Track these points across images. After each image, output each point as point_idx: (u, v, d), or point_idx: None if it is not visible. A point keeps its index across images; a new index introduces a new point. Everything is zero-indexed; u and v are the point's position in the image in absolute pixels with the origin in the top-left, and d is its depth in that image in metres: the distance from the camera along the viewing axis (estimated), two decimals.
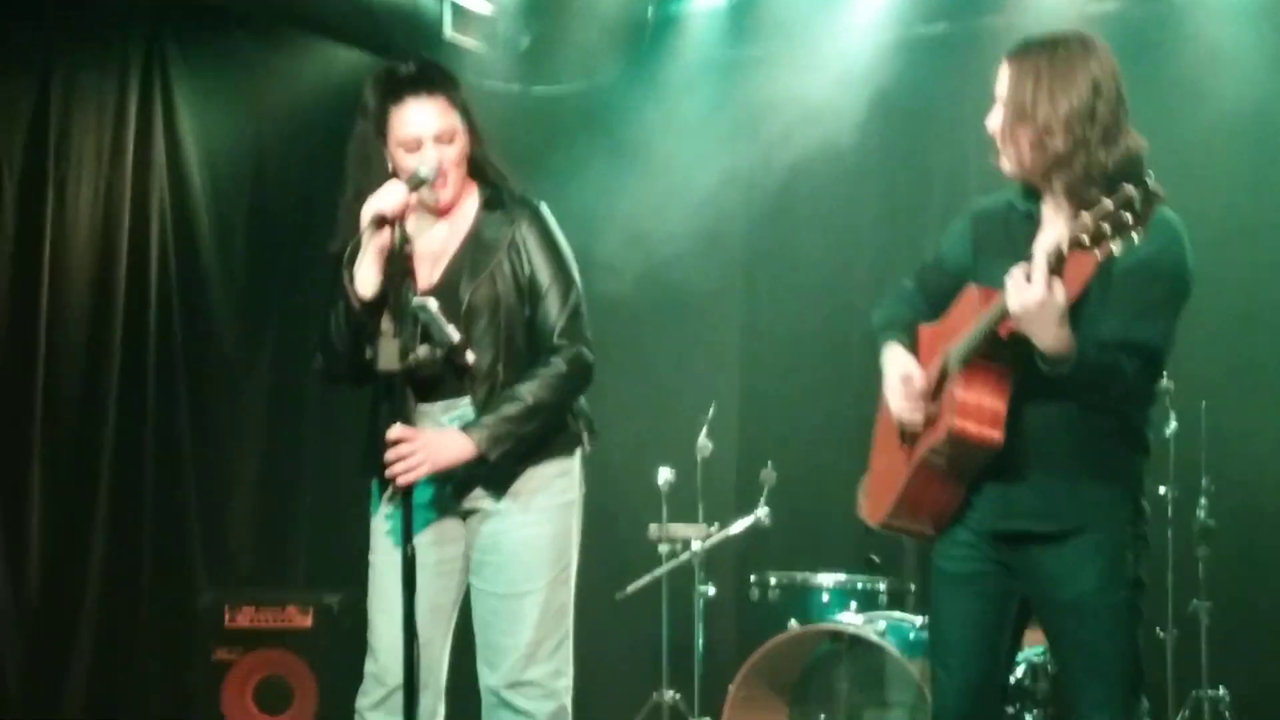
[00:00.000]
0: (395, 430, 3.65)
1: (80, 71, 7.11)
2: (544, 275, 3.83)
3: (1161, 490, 6.24)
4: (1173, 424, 6.29)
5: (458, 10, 7.87)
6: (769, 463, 6.50)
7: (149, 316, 7.27)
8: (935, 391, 3.42)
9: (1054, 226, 3.40)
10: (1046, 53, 3.38)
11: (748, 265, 8.24)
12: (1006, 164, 3.44)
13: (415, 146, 3.78)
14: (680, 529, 6.66)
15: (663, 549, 6.64)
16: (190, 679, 6.89)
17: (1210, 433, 6.37)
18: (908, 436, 3.54)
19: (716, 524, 6.63)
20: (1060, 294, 3.06)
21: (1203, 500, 6.31)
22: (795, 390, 7.75)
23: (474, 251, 3.83)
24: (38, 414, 6.84)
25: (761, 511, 6.42)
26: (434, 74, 3.86)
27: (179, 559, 7.32)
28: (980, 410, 3.27)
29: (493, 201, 3.89)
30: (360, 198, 3.78)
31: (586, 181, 7.47)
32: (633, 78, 8.17)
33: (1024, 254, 3.27)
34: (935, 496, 3.48)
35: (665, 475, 6.68)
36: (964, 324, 3.36)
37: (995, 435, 3.28)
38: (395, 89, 3.82)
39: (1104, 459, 3.37)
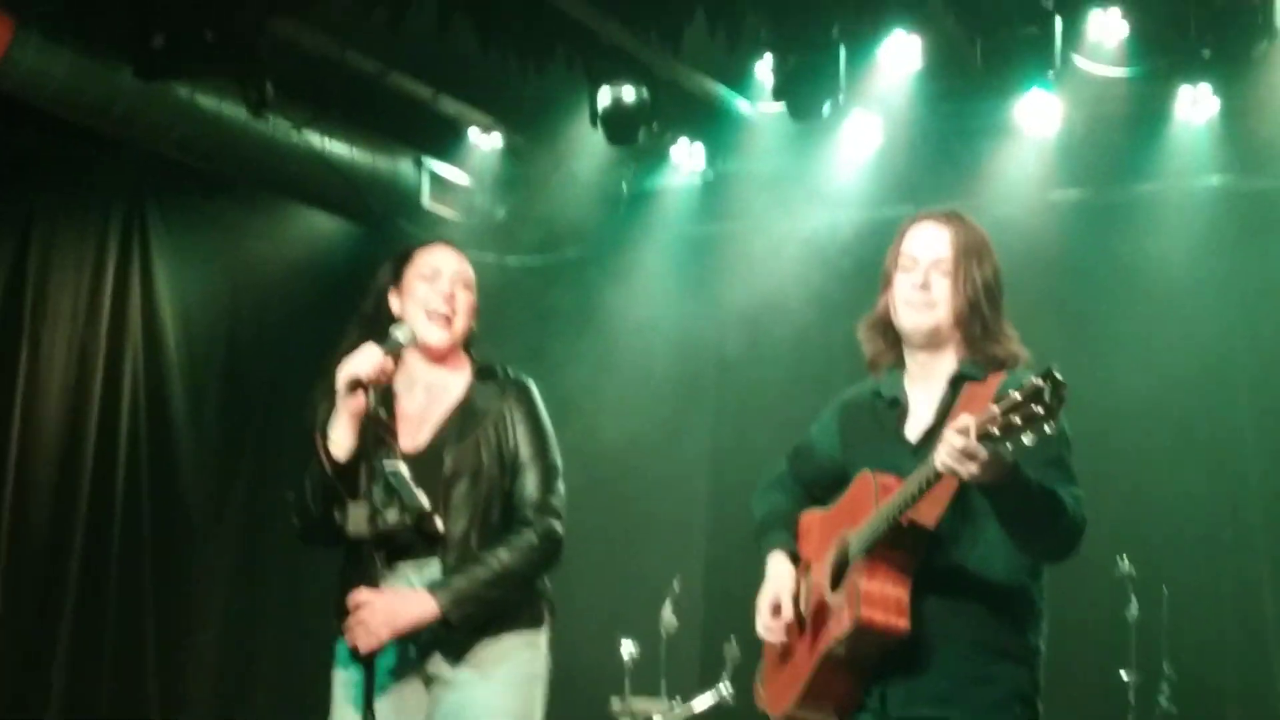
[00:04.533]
0: (356, 595, 3.66)
1: (61, 229, 7.21)
2: (526, 450, 3.89)
3: (1124, 676, 6.23)
4: (1134, 609, 6.30)
5: (436, 180, 8.03)
6: (732, 638, 6.46)
7: (117, 474, 7.28)
8: (835, 580, 3.42)
9: (923, 408, 3.48)
10: (969, 223, 3.51)
11: (715, 438, 8.30)
12: (926, 319, 3.45)
13: (433, 277, 3.89)
14: (643, 703, 6.60)
15: None
16: None
17: (1171, 618, 6.38)
18: (805, 624, 3.53)
19: (679, 698, 6.57)
20: (984, 452, 3.02)
21: (1164, 686, 6.30)
22: (761, 564, 7.73)
23: (462, 418, 3.88)
24: (0, 565, 6.81)
25: (725, 687, 6.37)
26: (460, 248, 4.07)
27: None
28: (885, 599, 3.29)
29: (485, 374, 3.98)
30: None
31: (557, 349, 7.56)
32: (606, 250, 8.32)
33: (894, 440, 3.41)
34: (841, 687, 3.46)
35: (628, 648, 6.64)
36: (860, 511, 3.37)
37: (901, 624, 3.28)
38: (426, 243, 4.01)
39: (1003, 640, 3.38)
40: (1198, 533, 6.91)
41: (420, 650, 3.79)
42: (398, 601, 3.69)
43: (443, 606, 3.69)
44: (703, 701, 6.43)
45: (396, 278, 3.94)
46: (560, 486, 3.93)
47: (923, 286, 3.45)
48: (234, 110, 6.66)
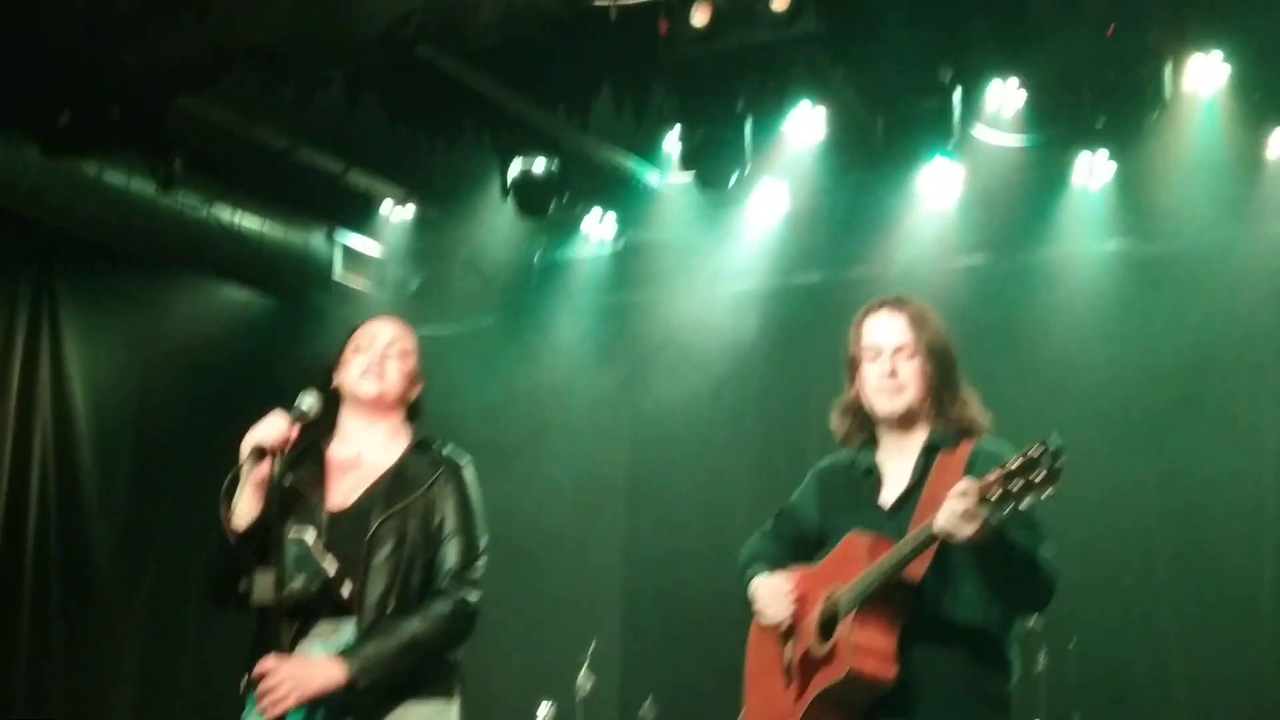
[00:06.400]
0: (263, 663, 3.66)
1: None
2: (451, 524, 3.93)
3: None
4: (1042, 661, 6.37)
5: (348, 253, 8.07)
6: (650, 697, 6.48)
7: (25, 549, 7.23)
8: (825, 632, 3.61)
9: (896, 476, 3.71)
10: (918, 304, 3.80)
11: (629, 501, 8.35)
12: (899, 403, 3.71)
13: (367, 347, 3.97)
14: None
15: None
16: None
17: (1081, 669, 6.47)
18: (791, 673, 3.70)
19: None
20: (983, 514, 3.26)
21: None
22: (677, 622, 7.78)
23: (393, 484, 3.92)
24: None
25: None
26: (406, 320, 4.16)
27: None
28: (874, 650, 3.51)
29: (422, 446, 4.03)
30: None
31: (470, 419, 7.60)
32: (519, 320, 8.38)
33: (869, 506, 3.68)
34: None
35: (545, 710, 6.62)
36: (849, 569, 3.59)
37: (889, 673, 3.50)
38: (368, 320, 4.11)
39: (983, 687, 3.59)
40: (1104, 581, 7.02)
41: (329, 716, 3.79)
42: (305, 668, 3.69)
43: (351, 673, 3.69)
44: None
45: (338, 357, 4.02)
46: (481, 562, 3.96)
47: (891, 373, 3.74)
48: (143, 186, 6.67)
